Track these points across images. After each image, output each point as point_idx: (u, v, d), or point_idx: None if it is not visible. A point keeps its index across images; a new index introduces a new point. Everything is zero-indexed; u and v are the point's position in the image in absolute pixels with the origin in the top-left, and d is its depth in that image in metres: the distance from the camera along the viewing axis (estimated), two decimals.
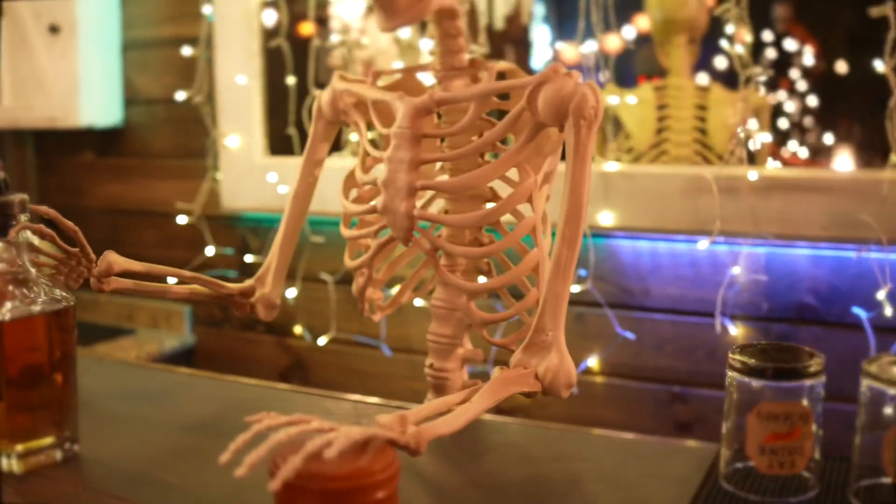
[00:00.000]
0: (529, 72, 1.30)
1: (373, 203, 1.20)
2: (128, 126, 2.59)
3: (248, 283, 1.31)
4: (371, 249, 1.23)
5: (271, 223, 2.29)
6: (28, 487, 1.02)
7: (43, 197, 2.85)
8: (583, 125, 1.04)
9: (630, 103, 2.25)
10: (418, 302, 1.99)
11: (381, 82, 1.28)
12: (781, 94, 2.04)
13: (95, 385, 1.36)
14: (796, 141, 2.02)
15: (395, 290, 1.35)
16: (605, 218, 1.84)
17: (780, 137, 2.02)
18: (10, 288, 1.06)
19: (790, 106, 2.03)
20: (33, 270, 1.08)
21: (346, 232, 1.27)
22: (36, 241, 1.10)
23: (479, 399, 0.95)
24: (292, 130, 2.21)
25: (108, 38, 2.51)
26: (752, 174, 1.70)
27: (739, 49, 1.77)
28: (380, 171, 1.15)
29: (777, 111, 2.01)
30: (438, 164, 1.26)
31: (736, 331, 1.78)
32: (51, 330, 1.08)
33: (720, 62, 2.11)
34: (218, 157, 2.36)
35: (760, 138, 1.84)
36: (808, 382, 0.98)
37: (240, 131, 2.31)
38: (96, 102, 2.48)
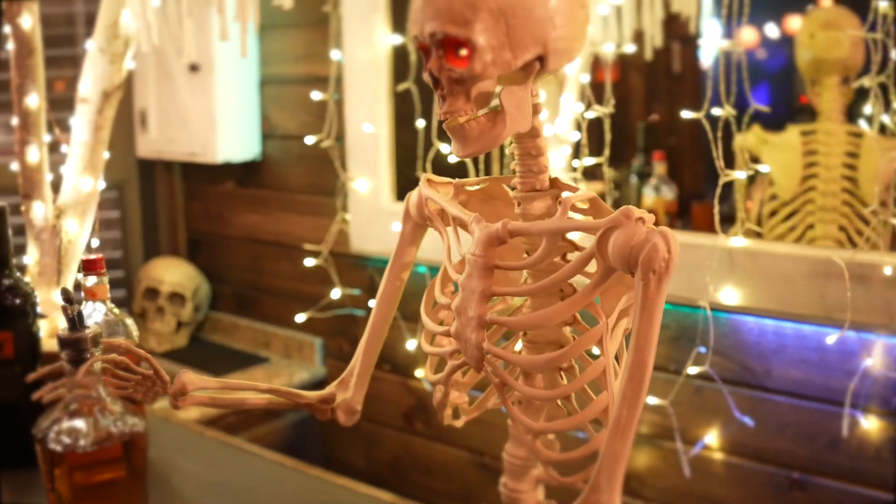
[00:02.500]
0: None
1: (447, 327, 1.17)
2: (265, 159, 2.64)
3: (329, 390, 1.30)
4: (446, 371, 1.20)
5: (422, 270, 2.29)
6: None
7: (189, 222, 2.96)
8: (652, 279, 0.97)
9: (775, 148, 2.12)
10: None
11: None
12: None
13: (184, 472, 1.39)
14: None
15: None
16: (728, 295, 1.74)
17: None
18: (86, 413, 1.09)
19: None
20: (108, 398, 1.11)
21: (425, 347, 1.24)
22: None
23: None
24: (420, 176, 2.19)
25: (246, 75, 2.56)
26: (888, 269, 1.56)
27: None
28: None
29: None
30: (524, 277, 1.21)
31: (867, 423, 1.65)
32: (125, 451, 1.11)
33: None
34: (347, 199, 2.37)
35: None
36: None
37: (368, 175, 2.32)
38: (233, 138, 2.54)
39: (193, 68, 2.49)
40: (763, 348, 1.76)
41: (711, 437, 1.84)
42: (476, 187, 1.26)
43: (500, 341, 1.19)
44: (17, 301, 1.40)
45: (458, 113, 1.05)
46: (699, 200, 2.31)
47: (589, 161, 2.03)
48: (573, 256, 1.08)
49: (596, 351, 1.08)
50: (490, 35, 1.00)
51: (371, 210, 2.33)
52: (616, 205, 2.38)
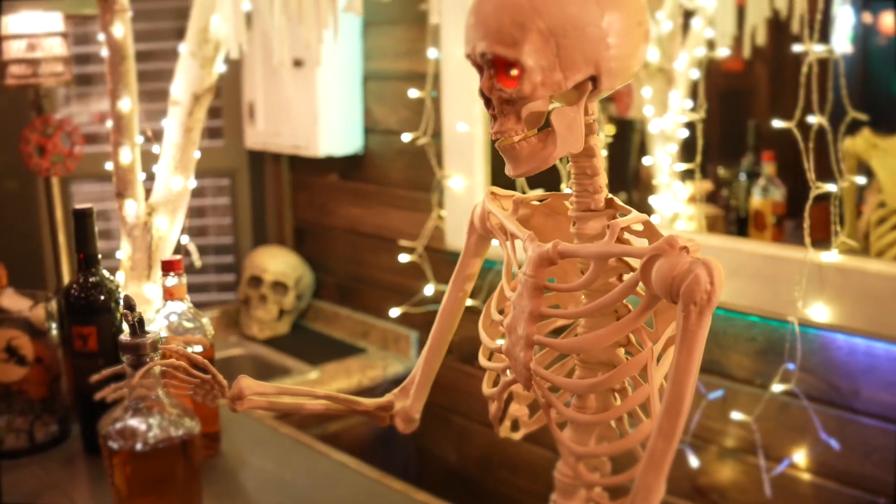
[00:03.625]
0: None
1: (500, 343, 1.17)
2: (367, 153, 2.68)
3: (387, 398, 1.31)
4: (499, 386, 1.20)
5: (492, 265, 2.29)
6: None
7: (296, 211, 3.03)
8: (693, 311, 0.95)
9: (886, 153, 2.03)
10: None
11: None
12: None
13: (252, 467, 1.43)
14: None
15: None
16: (818, 312, 1.67)
17: None
18: (145, 414, 1.13)
19: None
20: (166, 400, 1.15)
21: (482, 361, 1.24)
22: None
23: None
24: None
25: (350, 70, 2.60)
26: None
27: None
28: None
29: None
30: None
31: None
32: (181, 451, 1.15)
33: None
34: (443, 196, 2.38)
35: None
36: None
37: (463, 173, 2.32)
38: (336, 132, 2.58)
39: (297, 64, 2.54)
40: (852, 368, 1.69)
41: (798, 456, 1.77)
42: (539, 202, 1.25)
43: (557, 359, 1.18)
44: (102, 297, 1.46)
45: (508, 133, 1.04)
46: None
47: (681, 167, 1.97)
48: (629, 278, 1.05)
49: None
50: (540, 56, 0.99)
51: (466, 208, 2.33)
52: (725, 205, 2.32)
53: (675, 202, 2.35)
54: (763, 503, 1.82)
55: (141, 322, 1.13)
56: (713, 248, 1.85)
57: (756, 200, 2.31)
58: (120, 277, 1.76)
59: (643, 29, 1.03)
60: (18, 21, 1.79)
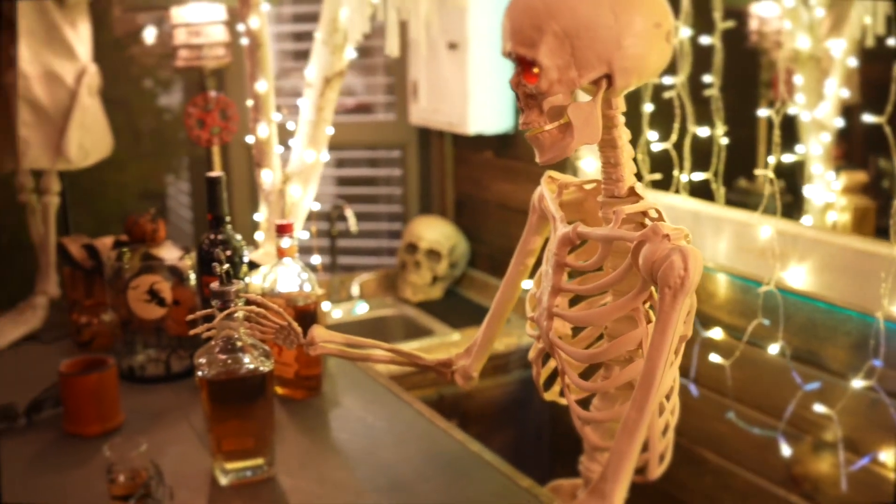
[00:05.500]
0: None
1: (532, 314, 1.30)
2: (518, 132, 2.82)
3: (449, 356, 1.47)
4: (534, 352, 1.33)
5: None
6: (227, 499, 1.33)
7: (457, 184, 3.21)
8: (667, 293, 1.05)
9: None
10: None
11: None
12: None
13: (342, 408, 1.63)
14: None
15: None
16: None
17: None
18: (229, 351, 1.35)
19: None
20: (249, 341, 1.36)
21: (528, 329, 1.37)
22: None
23: None
24: (639, 156, 2.24)
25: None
26: None
27: None
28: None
29: None
30: None
31: None
32: (257, 384, 1.36)
33: None
34: (578, 175, 2.49)
35: None
36: None
37: (595, 154, 2.41)
38: (486, 111, 2.74)
39: (452, 46, 2.71)
40: None
41: (884, 455, 1.77)
42: (590, 186, 1.35)
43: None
44: (228, 252, 1.70)
45: (532, 125, 1.17)
46: None
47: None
48: (625, 261, 1.14)
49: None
50: (555, 55, 1.11)
51: None
52: (885, 195, 2.29)
53: (827, 192, 2.34)
54: (852, 497, 1.83)
55: (228, 274, 1.34)
56: (806, 240, 1.85)
57: None
58: (259, 237, 2.00)
59: (663, 30, 1.12)
60: (186, 11, 2.06)
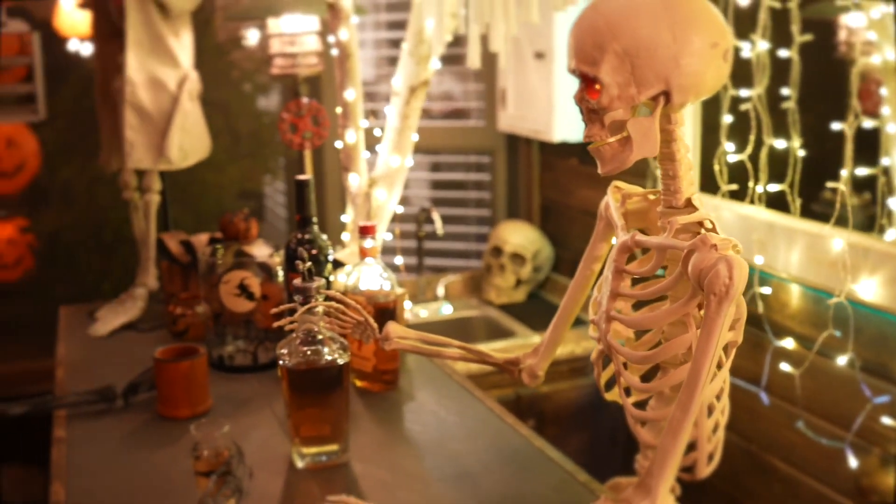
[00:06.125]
0: None
1: (593, 317, 1.36)
2: None
3: (517, 355, 1.54)
4: (595, 351, 1.39)
5: None
6: (302, 481, 1.43)
7: (542, 189, 3.28)
8: (712, 300, 1.10)
9: None
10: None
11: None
12: None
13: (416, 400, 1.72)
14: None
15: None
16: None
17: None
18: (309, 343, 1.45)
19: None
20: (328, 334, 1.45)
21: (590, 331, 1.43)
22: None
23: None
24: (716, 166, 2.27)
25: None
26: None
27: None
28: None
29: None
30: None
31: None
32: (334, 375, 1.45)
33: None
34: (656, 184, 2.52)
35: None
36: None
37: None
38: (571, 120, 2.80)
39: (539, 55, 2.78)
40: None
41: None
42: (654, 196, 1.41)
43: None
44: (314, 251, 1.80)
45: (594, 138, 1.24)
46: None
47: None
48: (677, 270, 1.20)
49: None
50: (616, 73, 1.18)
51: None
52: None
53: None
54: None
55: (310, 271, 1.44)
56: (877, 253, 1.86)
57: None
58: (346, 237, 2.11)
59: (720, 49, 1.18)
60: (282, 22, 2.18)
